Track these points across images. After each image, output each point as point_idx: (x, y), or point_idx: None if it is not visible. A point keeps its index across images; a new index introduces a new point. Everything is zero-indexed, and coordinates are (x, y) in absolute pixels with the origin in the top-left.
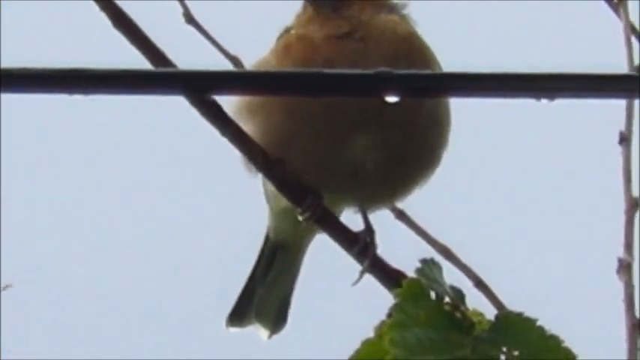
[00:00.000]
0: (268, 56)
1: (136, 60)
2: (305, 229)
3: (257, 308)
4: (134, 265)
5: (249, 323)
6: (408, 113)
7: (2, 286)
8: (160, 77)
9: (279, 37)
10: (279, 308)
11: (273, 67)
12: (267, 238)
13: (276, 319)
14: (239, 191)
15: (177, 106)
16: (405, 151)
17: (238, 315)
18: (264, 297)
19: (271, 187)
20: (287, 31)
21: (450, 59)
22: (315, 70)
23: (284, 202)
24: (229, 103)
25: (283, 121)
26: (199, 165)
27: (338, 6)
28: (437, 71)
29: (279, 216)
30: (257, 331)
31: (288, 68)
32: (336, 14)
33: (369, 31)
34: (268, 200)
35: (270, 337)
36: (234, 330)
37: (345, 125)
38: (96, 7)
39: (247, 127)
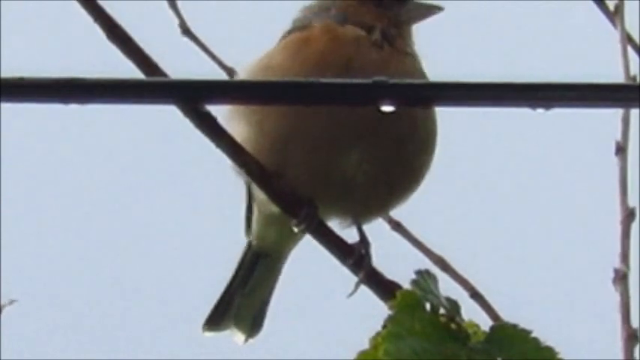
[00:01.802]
0: (275, 50)
1: (131, 70)
2: (290, 237)
3: (235, 315)
4: (131, 266)
5: (226, 328)
6: (401, 129)
7: (2, 295)
8: (155, 86)
9: (290, 32)
10: (257, 314)
11: (278, 61)
12: (249, 247)
13: (252, 325)
14: (229, 198)
15: (173, 114)
16: (396, 166)
17: (215, 320)
18: (243, 304)
19: (261, 196)
20: (298, 27)
21: (445, 68)
22: (310, 79)
23: (273, 210)
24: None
25: (280, 126)
26: (194, 172)
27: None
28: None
29: (266, 225)
30: (233, 336)
31: (297, 63)
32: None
33: (397, 56)
34: (257, 208)
35: (245, 341)
36: (209, 335)
37: (340, 138)
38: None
39: (242, 124)
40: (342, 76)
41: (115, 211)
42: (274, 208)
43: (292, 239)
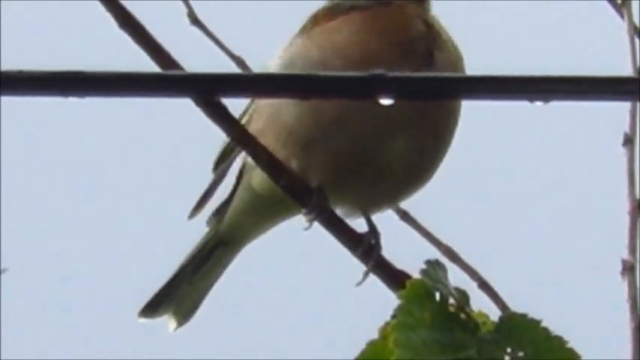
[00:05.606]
0: (338, 23)
1: (142, 61)
2: (266, 226)
3: (177, 302)
4: (130, 265)
5: (163, 314)
6: (441, 119)
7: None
8: (168, 80)
9: (333, 11)
10: (196, 302)
11: (348, 33)
12: (214, 234)
13: (188, 312)
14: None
15: (182, 106)
16: (429, 156)
17: (154, 306)
18: (187, 291)
19: (259, 176)
20: (341, 9)
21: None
22: (311, 72)
23: (269, 191)
24: None
25: (329, 112)
26: (200, 166)
27: None
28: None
29: (245, 213)
30: (166, 323)
31: (374, 35)
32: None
33: (437, 35)
34: (242, 195)
35: (176, 329)
36: (143, 321)
37: (384, 127)
38: (102, 8)
39: (291, 107)
40: (406, 56)
41: (129, 205)
42: (270, 191)
43: (266, 228)
